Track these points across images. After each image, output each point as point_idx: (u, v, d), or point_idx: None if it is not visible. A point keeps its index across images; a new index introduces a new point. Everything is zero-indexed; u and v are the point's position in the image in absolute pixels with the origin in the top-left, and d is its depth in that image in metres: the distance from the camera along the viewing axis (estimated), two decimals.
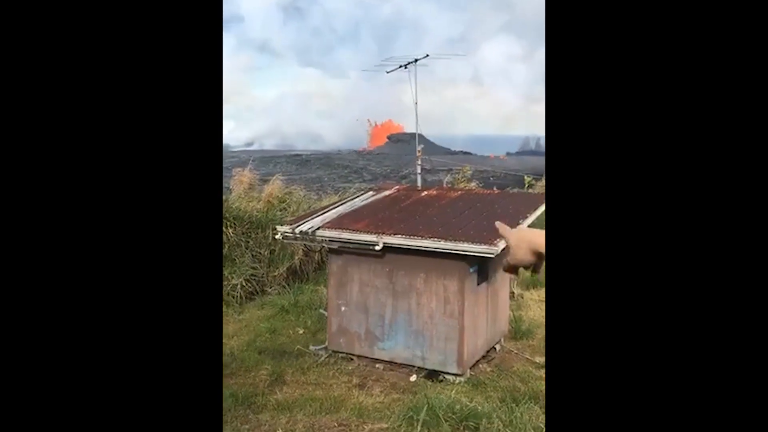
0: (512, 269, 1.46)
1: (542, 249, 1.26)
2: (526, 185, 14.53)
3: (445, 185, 13.04)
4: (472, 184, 14.27)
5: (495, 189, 10.98)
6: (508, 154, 59.50)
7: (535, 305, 8.36)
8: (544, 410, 4.60)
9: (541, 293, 8.93)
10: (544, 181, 15.02)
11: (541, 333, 7.17)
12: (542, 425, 4.28)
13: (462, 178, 14.94)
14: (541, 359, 6.34)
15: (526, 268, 1.40)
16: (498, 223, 1.56)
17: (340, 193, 13.31)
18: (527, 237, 1.36)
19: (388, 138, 66.29)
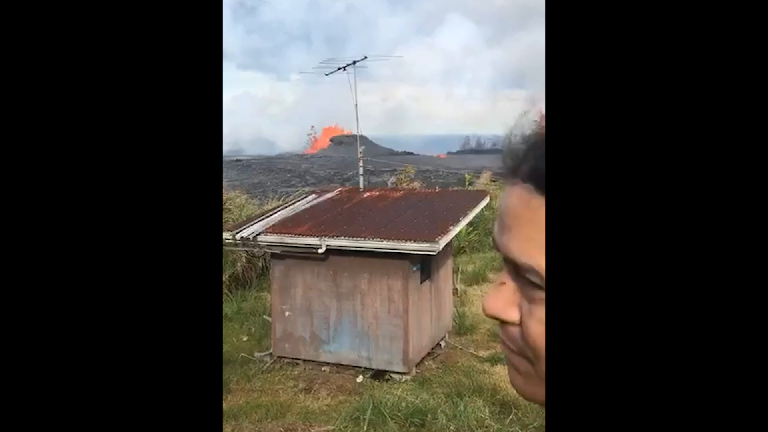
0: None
1: None
2: (467, 183, 14.83)
3: (390, 186, 13.14)
4: (416, 184, 14.44)
5: (437, 188, 11.15)
6: (448, 153, 60.34)
7: (478, 300, 8.54)
8: (486, 403, 4.71)
9: (483, 288, 9.13)
10: (482, 178, 15.39)
11: (484, 327, 7.33)
12: (482, 416, 4.39)
13: (405, 178, 15.10)
14: (484, 353, 6.49)
15: None
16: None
17: (283, 197, 13.19)
18: None
19: (331, 141, 66.08)
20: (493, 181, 15.02)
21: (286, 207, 7.19)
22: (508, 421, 4.39)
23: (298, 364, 6.19)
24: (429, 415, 4.56)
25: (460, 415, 4.43)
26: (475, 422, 4.27)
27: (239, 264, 9.50)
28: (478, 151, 60.36)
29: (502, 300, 0.52)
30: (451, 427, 4.25)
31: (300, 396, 5.46)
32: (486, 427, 4.27)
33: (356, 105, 9.46)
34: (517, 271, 0.51)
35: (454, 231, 6.14)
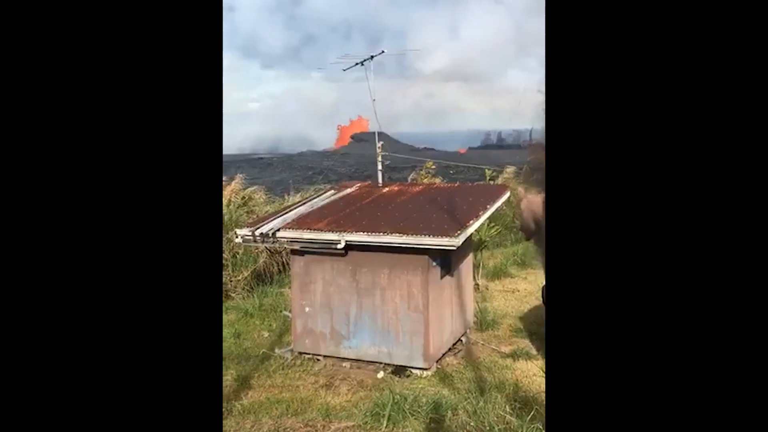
0: (523, 232, 1.55)
1: (540, 218, 1.33)
2: (488, 178, 14.70)
3: (410, 181, 13.08)
4: (437, 180, 14.34)
5: (457, 183, 11.05)
6: (470, 148, 59.86)
7: (500, 296, 8.44)
8: (507, 399, 4.64)
9: (505, 283, 9.02)
10: (504, 173, 15.23)
11: (506, 323, 7.24)
12: (503, 413, 4.32)
13: (426, 173, 15.01)
14: (506, 349, 6.40)
15: (527, 234, 1.45)
16: (520, 189, 1.63)
17: (304, 194, 13.21)
18: (533, 206, 1.43)
19: (352, 138, 66.09)
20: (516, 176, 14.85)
21: (304, 203, 7.19)
22: (529, 417, 4.31)
23: (318, 359, 6.18)
24: (450, 411, 4.50)
25: (481, 412, 4.37)
26: (496, 418, 4.21)
27: (261, 260, 9.54)
28: (500, 146, 59.88)
29: None
30: (472, 424, 4.19)
31: (320, 392, 5.44)
32: (507, 423, 4.20)
33: (374, 100, 9.42)
34: None
35: (474, 226, 6.06)
